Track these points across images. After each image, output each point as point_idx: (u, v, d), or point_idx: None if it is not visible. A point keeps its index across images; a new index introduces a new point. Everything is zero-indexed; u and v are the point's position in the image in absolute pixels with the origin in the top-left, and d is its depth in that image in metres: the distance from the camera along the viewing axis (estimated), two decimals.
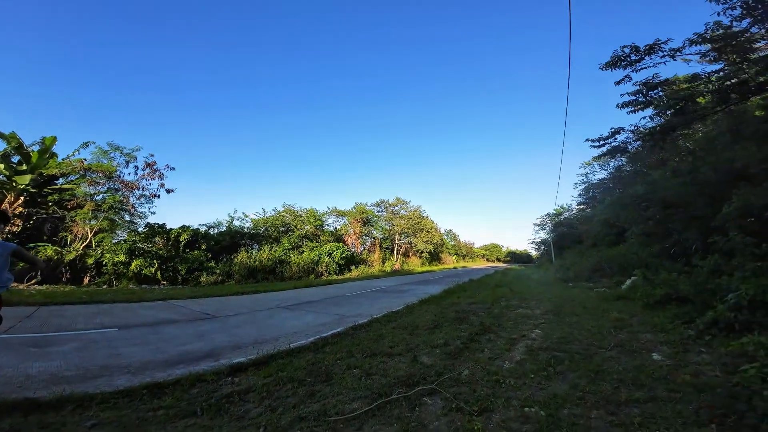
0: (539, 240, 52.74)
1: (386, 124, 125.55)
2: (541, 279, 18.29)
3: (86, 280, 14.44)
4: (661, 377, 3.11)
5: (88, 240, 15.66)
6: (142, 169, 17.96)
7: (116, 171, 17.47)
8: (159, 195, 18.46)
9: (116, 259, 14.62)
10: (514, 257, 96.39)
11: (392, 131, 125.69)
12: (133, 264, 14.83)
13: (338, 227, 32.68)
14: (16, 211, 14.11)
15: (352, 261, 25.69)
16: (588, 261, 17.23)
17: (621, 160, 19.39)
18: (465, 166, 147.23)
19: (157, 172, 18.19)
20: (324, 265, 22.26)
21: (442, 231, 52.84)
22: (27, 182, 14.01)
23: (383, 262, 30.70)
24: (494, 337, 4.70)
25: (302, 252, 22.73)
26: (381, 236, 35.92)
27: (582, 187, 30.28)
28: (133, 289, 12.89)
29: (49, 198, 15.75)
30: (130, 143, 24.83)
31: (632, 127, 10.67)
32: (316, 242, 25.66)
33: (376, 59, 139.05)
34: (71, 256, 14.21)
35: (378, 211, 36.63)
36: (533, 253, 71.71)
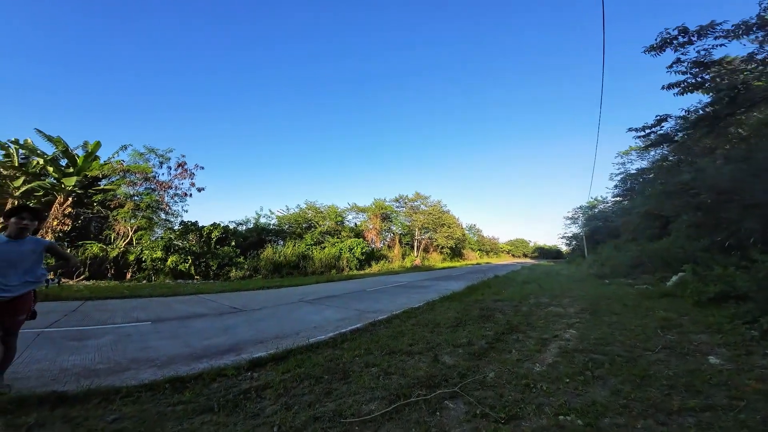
0: (570, 234, 50.23)
1: (405, 116, 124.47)
2: (573, 275, 17.32)
3: (128, 276, 15.45)
4: (720, 383, 2.77)
5: (129, 238, 16.76)
6: (175, 170, 18.94)
7: (152, 172, 18.54)
8: (191, 194, 19.42)
9: (154, 255, 15.52)
10: (543, 253, 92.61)
11: (412, 125, 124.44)
12: (169, 260, 15.70)
13: (358, 223, 32.90)
14: (66, 212, 15.31)
15: (372, 256, 25.80)
16: (626, 256, 16.08)
17: (665, 149, 17.87)
18: (489, 160, 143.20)
19: (188, 172, 19.11)
20: (345, 260, 22.52)
21: (465, 226, 51.69)
22: (73, 183, 15.13)
23: (403, 258, 30.56)
24: (523, 337, 4.42)
25: (324, 248, 23.11)
26: (400, 232, 35.75)
27: (619, 177, 28.33)
28: (169, 284, 13.63)
29: (94, 198, 16.97)
30: (159, 143, 26.24)
31: (682, 112, 9.71)
32: (337, 238, 25.98)
33: (396, 43, 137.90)
34: (114, 253, 15.26)
35: (397, 207, 36.39)
36: (563, 248, 68.39)
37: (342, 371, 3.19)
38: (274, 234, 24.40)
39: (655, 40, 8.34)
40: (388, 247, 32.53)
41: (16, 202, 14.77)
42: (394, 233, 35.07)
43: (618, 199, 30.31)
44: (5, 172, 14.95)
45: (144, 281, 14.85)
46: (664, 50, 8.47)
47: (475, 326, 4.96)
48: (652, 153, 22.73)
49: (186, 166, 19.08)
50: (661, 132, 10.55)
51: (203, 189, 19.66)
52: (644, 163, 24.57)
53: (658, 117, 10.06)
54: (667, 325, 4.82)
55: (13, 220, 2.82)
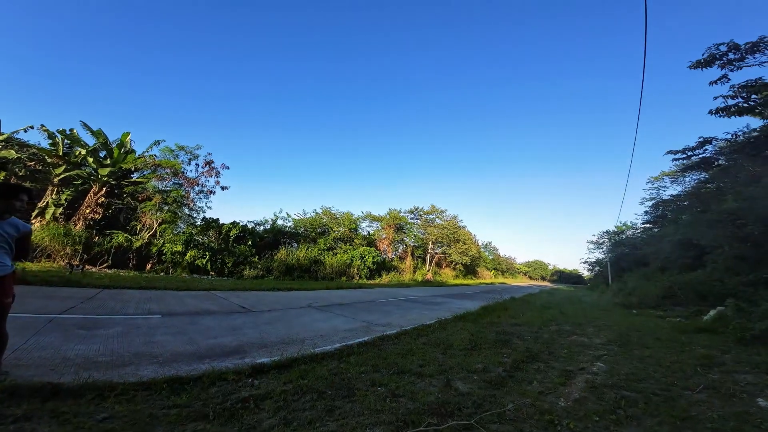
0: (593, 260, 48.02)
1: (427, 129, 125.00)
2: (597, 303, 16.36)
3: (148, 267, 15.90)
4: None
5: (153, 230, 17.34)
6: (202, 167, 19.61)
7: (181, 168, 19.26)
8: (215, 192, 20.02)
9: (175, 248, 15.93)
10: (562, 277, 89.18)
11: (434, 139, 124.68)
12: (188, 254, 16.05)
13: (371, 232, 32.77)
14: (99, 201, 16.07)
15: (382, 266, 25.56)
16: (656, 286, 15.07)
17: (703, 174, 16.84)
18: (512, 180, 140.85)
19: (215, 170, 19.74)
20: (355, 268, 22.42)
21: (480, 243, 50.59)
22: (106, 174, 15.86)
23: (414, 271, 30.06)
24: (544, 367, 4.06)
25: (336, 254, 23.11)
26: (413, 244, 35.25)
27: (649, 203, 26.95)
28: (185, 278, 13.90)
29: (125, 190, 17.74)
30: (188, 141, 27.34)
31: (728, 136, 9.09)
32: (350, 245, 25.95)
33: (423, 61, 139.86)
34: (138, 244, 15.77)
35: (411, 219, 35.97)
36: (585, 273, 65.58)
37: (346, 388, 2.98)
38: (289, 236, 24.65)
39: (703, 55, 7.90)
40: (400, 258, 32.14)
41: (55, 189, 15.66)
42: (406, 245, 34.67)
43: (648, 225, 28.79)
44: (50, 160, 15.91)
45: (162, 273, 15.23)
46: (712, 65, 8.01)
47: (491, 351, 4.63)
48: (688, 179, 21.61)
49: (213, 165, 19.74)
50: (703, 155, 9.89)
51: (227, 188, 20.26)
52: (678, 189, 23.33)
53: (701, 139, 9.45)
54: (707, 363, 4.47)
55: (6, 199, 2.64)
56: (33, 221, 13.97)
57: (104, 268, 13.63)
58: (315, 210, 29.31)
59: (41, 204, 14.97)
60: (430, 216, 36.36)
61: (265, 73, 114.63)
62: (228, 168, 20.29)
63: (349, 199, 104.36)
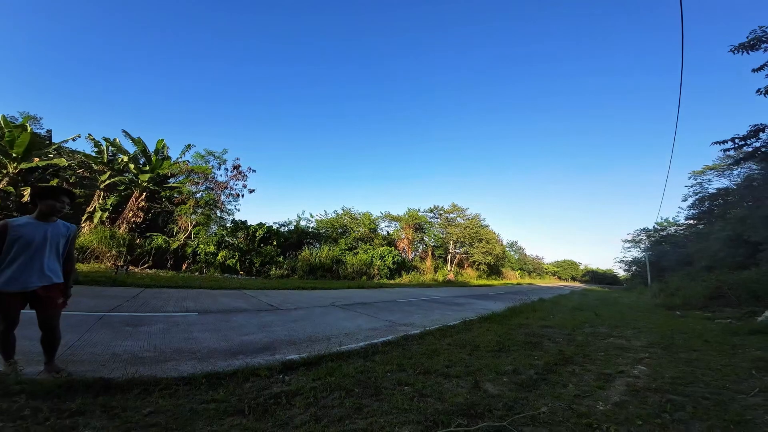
0: (630, 259, 45.28)
1: (448, 127, 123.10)
2: (635, 304, 15.40)
3: (184, 267, 16.80)
4: None
5: (188, 232, 18.31)
6: (231, 171, 20.45)
7: (212, 173, 20.21)
8: (243, 195, 20.82)
9: (208, 249, 16.76)
10: (595, 277, 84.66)
11: (455, 137, 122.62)
12: (220, 255, 16.83)
13: (390, 232, 32.72)
14: (140, 205, 17.20)
15: (402, 266, 25.51)
16: (702, 286, 14.00)
17: (754, 166, 15.38)
18: (539, 178, 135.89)
19: (242, 174, 20.52)
20: (376, 267, 22.54)
21: (505, 242, 48.92)
22: (146, 180, 16.94)
23: (435, 271, 29.62)
24: (579, 370, 3.88)
25: (356, 253, 23.36)
26: (434, 244, 34.71)
27: (693, 199, 24.97)
28: (217, 277, 14.58)
29: (162, 194, 18.86)
30: (216, 145, 28.73)
31: None
32: (369, 245, 26.13)
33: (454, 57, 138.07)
34: (175, 245, 16.72)
35: (431, 218, 35.38)
36: (621, 273, 61.92)
37: (373, 386, 3.00)
38: (312, 237, 25.19)
39: (747, 37, 7.22)
40: (420, 258, 31.81)
41: (101, 194, 16.94)
42: (426, 245, 34.26)
43: (692, 222, 26.74)
44: (96, 167, 17.23)
45: (197, 273, 16.04)
46: (755, 50, 7.30)
47: (521, 353, 4.48)
48: (736, 172, 19.91)
49: (240, 169, 20.52)
50: (756, 145, 9.03)
51: (254, 190, 21.01)
52: (725, 183, 21.49)
53: (754, 127, 8.62)
54: (763, 366, 4.13)
55: (49, 201, 2.67)
56: (83, 225, 15.17)
57: (145, 268, 14.56)
58: (336, 211, 29.83)
59: (89, 209, 16.24)
60: (451, 215, 35.64)
61: (280, 76, 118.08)
62: (254, 171, 21.04)
63: (368, 199, 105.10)
